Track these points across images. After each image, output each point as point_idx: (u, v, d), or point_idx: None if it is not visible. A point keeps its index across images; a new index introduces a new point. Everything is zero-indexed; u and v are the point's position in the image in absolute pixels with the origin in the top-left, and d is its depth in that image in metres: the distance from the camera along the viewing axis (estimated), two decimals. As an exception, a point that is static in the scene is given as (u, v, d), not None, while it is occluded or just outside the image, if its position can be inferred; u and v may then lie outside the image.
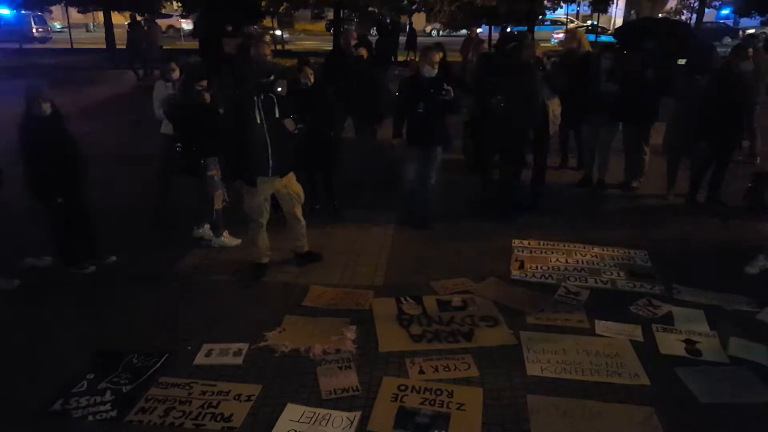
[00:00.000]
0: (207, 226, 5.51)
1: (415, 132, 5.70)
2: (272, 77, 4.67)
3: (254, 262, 4.98)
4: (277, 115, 4.61)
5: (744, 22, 30.16)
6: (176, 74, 5.91)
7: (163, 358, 3.74)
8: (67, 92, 10.86)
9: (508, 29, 24.87)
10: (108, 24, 21.84)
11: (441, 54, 6.01)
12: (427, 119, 5.57)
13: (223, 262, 5.15)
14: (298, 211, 4.99)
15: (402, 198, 6.15)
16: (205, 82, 5.13)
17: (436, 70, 5.60)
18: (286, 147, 4.73)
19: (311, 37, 33.52)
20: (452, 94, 5.47)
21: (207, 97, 5.09)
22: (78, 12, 24.33)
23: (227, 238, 5.45)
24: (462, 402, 3.34)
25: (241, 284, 4.79)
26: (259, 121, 4.56)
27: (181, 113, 5.21)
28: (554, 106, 6.23)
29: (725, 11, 32.59)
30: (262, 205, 4.77)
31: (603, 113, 6.64)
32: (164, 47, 18.41)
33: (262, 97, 4.57)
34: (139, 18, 18.54)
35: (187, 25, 28.20)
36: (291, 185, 4.89)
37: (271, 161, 4.62)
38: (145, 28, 17.37)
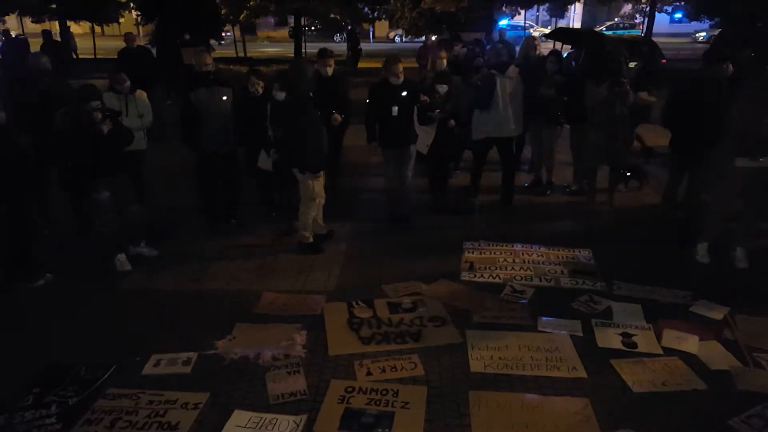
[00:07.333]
0: (143, 243, 5.51)
1: (390, 135, 6.06)
2: None
3: (305, 242, 5.61)
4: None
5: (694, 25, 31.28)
6: (127, 86, 5.91)
7: (111, 370, 3.74)
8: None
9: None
10: (64, 34, 21.44)
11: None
12: (401, 122, 5.95)
13: (173, 273, 5.16)
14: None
15: (371, 201, 6.59)
16: (98, 103, 4.96)
17: (401, 79, 5.94)
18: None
19: (274, 44, 33.48)
20: (437, 114, 6.06)
21: (98, 116, 4.90)
22: (32, 22, 23.78)
23: (145, 249, 5.52)
24: (407, 401, 3.43)
25: (192, 293, 4.81)
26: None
27: (70, 133, 5.00)
28: None
29: (678, 15, 33.59)
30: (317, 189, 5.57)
31: (545, 116, 6.82)
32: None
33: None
34: None
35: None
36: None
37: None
38: None
